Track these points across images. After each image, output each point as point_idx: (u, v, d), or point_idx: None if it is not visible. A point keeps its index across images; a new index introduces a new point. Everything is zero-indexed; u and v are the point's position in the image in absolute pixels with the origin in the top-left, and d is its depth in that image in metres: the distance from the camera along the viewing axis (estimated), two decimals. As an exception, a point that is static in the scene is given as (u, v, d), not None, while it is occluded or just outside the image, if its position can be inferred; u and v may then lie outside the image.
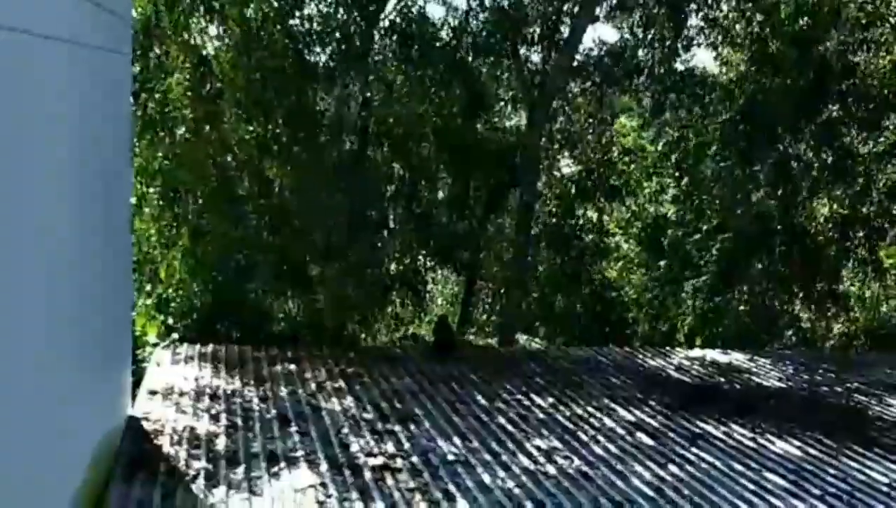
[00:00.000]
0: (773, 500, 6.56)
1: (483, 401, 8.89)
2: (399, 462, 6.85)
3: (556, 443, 7.61)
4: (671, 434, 8.12)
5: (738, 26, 15.64)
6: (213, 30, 12.58)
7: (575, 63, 15.41)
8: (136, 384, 8.86)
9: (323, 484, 6.27)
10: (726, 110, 15.60)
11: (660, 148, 16.57)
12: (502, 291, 16.60)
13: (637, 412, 8.82)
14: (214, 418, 7.76)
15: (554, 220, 16.83)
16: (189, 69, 12.06)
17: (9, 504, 3.76)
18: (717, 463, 7.34)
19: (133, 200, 12.16)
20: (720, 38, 16.32)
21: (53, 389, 4.62)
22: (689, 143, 16.03)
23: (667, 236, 16.09)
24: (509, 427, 8.01)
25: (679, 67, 16.52)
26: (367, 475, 6.53)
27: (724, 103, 15.73)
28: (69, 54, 4.86)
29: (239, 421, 7.68)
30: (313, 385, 9.11)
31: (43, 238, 4.37)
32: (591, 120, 17.07)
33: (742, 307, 16.06)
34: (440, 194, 14.69)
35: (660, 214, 16.44)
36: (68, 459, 5.13)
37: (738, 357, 12.32)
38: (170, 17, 11.77)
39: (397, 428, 7.77)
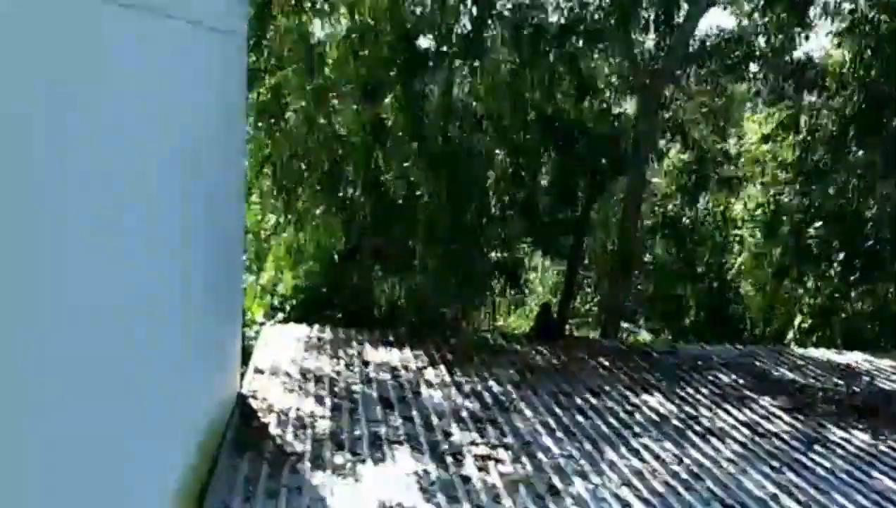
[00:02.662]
0: (896, 511, 6.18)
1: (588, 395, 8.70)
2: (502, 453, 6.77)
3: (665, 442, 7.37)
4: (786, 437, 7.75)
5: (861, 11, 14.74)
6: (322, 22, 12.73)
7: (690, 49, 14.86)
8: (244, 362, 9.09)
9: (426, 471, 6.25)
10: (849, 98, 14.75)
11: (782, 137, 15.74)
12: (606, 282, 16.26)
13: (749, 413, 8.45)
14: (319, 399, 7.87)
15: (665, 209, 16.33)
16: (301, 58, 12.24)
17: (124, 476, 3.87)
18: (836, 470, 6.96)
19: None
20: (843, 25, 15.46)
21: (167, 365, 4.74)
22: (814, 131, 15.21)
23: (788, 227, 15.29)
24: (615, 423, 7.81)
25: (799, 54, 15.76)
26: (470, 464, 6.48)
27: (846, 90, 14.87)
28: (191, 35, 4.95)
29: (343, 404, 7.76)
30: (415, 370, 9.12)
31: (159, 219, 4.46)
32: (705, 108, 16.48)
33: (863, 306, 15.20)
34: (544, 182, 14.44)
35: (783, 204, 15.59)
36: (181, 434, 5.27)
37: (855, 358, 11.67)
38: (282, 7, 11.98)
39: (499, 418, 7.68)
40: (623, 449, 7.09)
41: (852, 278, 14.72)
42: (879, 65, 14.20)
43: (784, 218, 15.42)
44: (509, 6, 13.03)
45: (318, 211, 13.01)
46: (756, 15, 15.08)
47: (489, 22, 12.90)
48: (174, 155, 4.65)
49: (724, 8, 15.62)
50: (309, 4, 12.49)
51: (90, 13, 3.00)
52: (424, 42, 13.18)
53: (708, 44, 15.16)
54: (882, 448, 7.65)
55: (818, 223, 14.88)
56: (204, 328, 6.14)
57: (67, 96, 2.86)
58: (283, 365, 8.94)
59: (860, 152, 14.57)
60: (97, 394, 3.38)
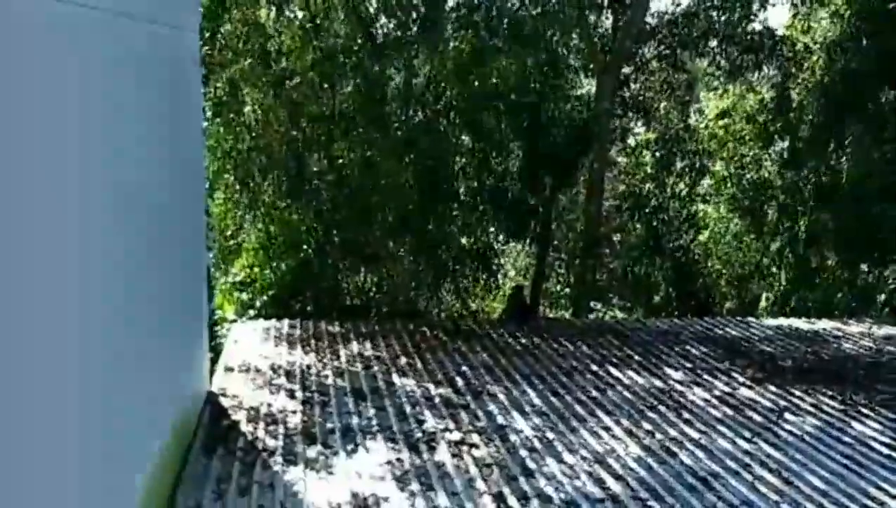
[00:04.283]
0: (865, 473, 6.26)
1: (560, 374, 8.72)
2: (475, 438, 6.76)
3: (637, 418, 7.40)
4: (757, 407, 7.83)
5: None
6: (276, 10, 12.57)
7: (646, 26, 14.89)
8: (215, 360, 9.00)
9: (399, 460, 6.23)
10: (813, 72, 14.86)
11: (748, 109, 15.79)
12: (576, 262, 16.31)
13: (720, 385, 8.53)
14: (290, 394, 7.80)
15: (631, 187, 16.39)
16: (256, 50, 12.10)
17: (88, 476, 3.80)
18: (806, 436, 7.04)
19: (207, 182, 12.39)
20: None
21: (130, 365, 4.66)
22: (779, 103, 15.28)
23: (758, 201, 15.37)
24: (587, 401, 7.83)
25: (757, 26, 15.86)
26: (444, 450, 6.46)
27: (808, 64, 14.99)
28: (144, 32, 4.85)
29: (315, 397, 7.70)
30: (387, 360, 9.08)
31: (118, 217, 4.38)
32: (665, 85, 16.53)
33: (832, 275, 15.38)
34: (511, 166, 14.42)
35: (751, 180, 15.66)
36: (146, 434, 5.19)
37: (824, 326, 11.82)
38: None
39: (472, 403, 7.67)
40: (596, 427, 7.11)
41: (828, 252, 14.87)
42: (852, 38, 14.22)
43: (749, 193, 15.53)
44: None
45: (283, 204, 12.90)
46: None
47: (444, 5, 12.81)
48: (125, 154, 4.55)
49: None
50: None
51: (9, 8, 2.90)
52: (382, 28, 13.09)
53: (665, 20, 15.21)
54: (851, 413, 7.75)
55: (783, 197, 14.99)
56: (167, 327, 6.05)
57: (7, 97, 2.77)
58: (254, 361, 8.86)
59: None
60: (56, 396, 3.30)
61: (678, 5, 15.96)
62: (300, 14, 12.42)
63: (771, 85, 16.11)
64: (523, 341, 10.23)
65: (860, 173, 14.27)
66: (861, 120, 14.18)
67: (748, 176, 15.58)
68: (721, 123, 15.93)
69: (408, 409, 7.44)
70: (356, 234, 12.86)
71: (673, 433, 7.03)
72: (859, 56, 13.91)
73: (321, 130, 12.51)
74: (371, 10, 12.68)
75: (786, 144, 15.24)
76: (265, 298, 13.14)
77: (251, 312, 12.99)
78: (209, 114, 12.09)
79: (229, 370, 8.54)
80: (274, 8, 12.50)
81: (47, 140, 3.24)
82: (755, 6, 15.49)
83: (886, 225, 13.54)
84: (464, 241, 14.07)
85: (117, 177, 4.36)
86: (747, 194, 15.48)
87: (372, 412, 7.33)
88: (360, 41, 12.36)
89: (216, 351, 9.85)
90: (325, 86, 12.48)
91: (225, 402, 7.50)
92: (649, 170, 16.20)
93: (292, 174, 12.69)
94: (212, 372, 8.31)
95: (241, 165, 12.62)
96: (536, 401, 7.78)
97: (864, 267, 15.28)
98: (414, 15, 12.73)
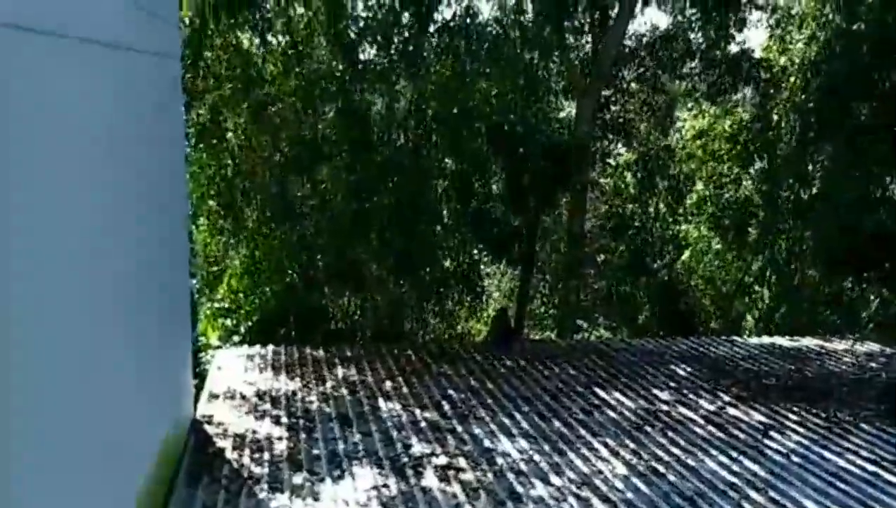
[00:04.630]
0: (850, 490, 6.28)
1: (546, 397, 8.72)
2: (462, 462, 6.74)
3: (624, 439, 7.41)
4: (742, 425, 7.86)
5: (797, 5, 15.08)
6: (259, 36, 12.61)
7: (625, 49, 15.08)
8: (200, 387, 8.94)
9: (385, 486, 6.19)
10: (791, 92, 15.04)
11: (726, 129, 15.94)
12: (559, 284, 16.36)
13: (705, 404, 8.55)
14: (276, 420, 7.76)
15: (613, 209, 16.51)
16: (239, 76, 12.13)
17: (73, 505, 3.76)
18: (791, 454, 7.07)
19: (190, 208, 12.37)
20: (776, 18, 15.83)
21: (114, 393, 4.62)
22: (755, 124, 15.44)
23: (738, 221, 15.47)
24: (574, 424, 7.83)
25: (734, 48, 16.09)
26: (430, 475, 6.44)
27: (786, 84, 15.17)
28: (121, 60, 4.86)
29: (300, 423, 7.66)
30: (373, 385, 9.05)
31: (100, 244, 4.36)
32: (645, 107, 16.70)
33: (815, 291, 15.48)
34: (494, 189, 14.50)
35: (731, 199, 15.76)
36: (130, 463, 5.14)
37: (808, 344, 11.90)
38: (217, 24, 11.85)
39: (458, 427, 7.65)
40: (583, 449, 7.11)
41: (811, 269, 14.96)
42: (829, 56, 14.39)
43: (728, 212, 15.62)
44: (446, 17, 13.04)
45: (267, 229, 12.89)
46: (688, 11, 15.34)
47: (426, 32, 12.92)
48: (106, 181, 4.55)
49: (659, 7, 15.87)
50: (245, 19, 12.38)
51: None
52: (364, 54, 13.17)
53: (644, 42, 15.40)
54: (836, 430, 7.79)
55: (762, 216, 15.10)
56: (152, 355, 6.01)
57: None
58: (239, 388, 8.80)
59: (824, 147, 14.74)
60: (39, 424, 3.27)
61: (657, 28, 16.19)
62: (282, 40, 12.46)
63: (749, 105, 16.29)
64: (508, 363, 10.23)
65: (835, 185, 14.41)
66: (836, 136, 14.35)
67: (727, 195, 15.71)
68: (698, 142, 16.08)
69: (394, 434, 7.41)
70: (340, 258, 12.86)
71: (659, 453, 7.04)
72: (832, 74, 14.12)
73: (304, 155, 12.53)
74: (353, 35, 12.75)
75: (764, 162, 15.38)
76: (249, 323, 13.10)
77: (235, 338, 12.94)
78: (192, 140, 12.11)
79: (214, 396, 8.49)
80: (256, 34, 12.54)
81: (26, 169, 3.23)
82: (732, 29, 15.72)
83: (863, 235, 13.66)
84: (448, 263, 14.11)
85: (99, 203, 4.35)
86: (727, 213, 15.60)
87: (358, 437, 7.29)
88: (341, 66, 12.42)
89: (200, 378, 9.79)
90: (308, 111, 12.52)
91: (210, 429, 7.44)
92: (631, 191, 16.31)
93: (276, 199, 12.69)
94: (196, 399, 8.25)
95: (224, 191, 12.62)
96: (523, 424, 7.77)
97: (847, 283, 15.38)
98: (395, 40, 12.82)
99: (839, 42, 14.16)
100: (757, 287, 16.02)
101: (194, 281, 12.65)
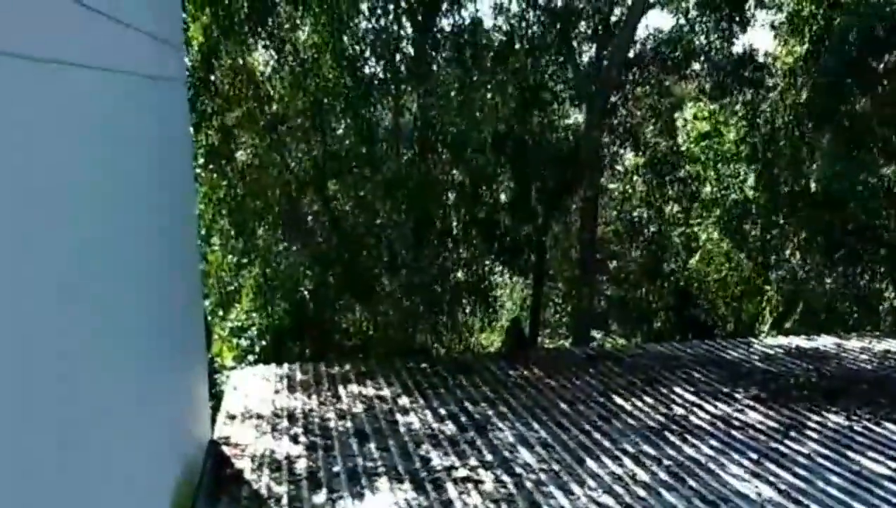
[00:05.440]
0: (874, 489, 6.22)
1: (563, 405, 8.68)
2: (482, 474, 6.71)
3: (643, 445, 7.36)
4: (762, 427, 7.80)
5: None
6: (267, 56, 12.70)
7: (630, 54, 15.08)
8: (216, 408, 8.95)
9: (406, 501, 6.17)
10: (792, 90, 15.02)
11: (732, 132, 15.91)
12: (572, 292, 16.32)
13: (724, 407, 8.49)
14: (293, 438, 7.75)
15: (623, 214, 16.49)
16: (248, 97, 12.21)
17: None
18: (813, 454, 7.01)
19: (203, 229, 12.43)
20: (779, 17, 15.81)
21: (133, 418, 4.63)
22: (760, 125, 15.40)
23: (748, 222, 15.42)
24: (593, 432, 7.79)
25: (738, 49, 16.07)
26: (451, 488, 6.41)
27: (789, 82, 15.15)
28: (126, 85, 4.89)
29: (318, 441, 7.65)
30: (389, 399, 9.04)
31: (112, 270, 4.38)
32: (652, 111, 16.69)
33: (828, 288, 15.39)
34: (503, 197, 14.50)
35: (739, 199, 15.69)
36: (151, 487, 5.14)
37: (824, 343, 11.81)
38: (226, 46, 11.95)
39: (477, 439, 7.63)
40: (603, 457, 7.07)
41: (820, 262, 14.88)
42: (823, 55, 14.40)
43: (744, 214, 15.56)
44: (448, 28, 13.07)
45: (279, 248, 12.93)
46: (693, 13, 15.34)
47: (431, 44, 12.96)
48: (116, 208, 4.57)
49: (662, 8, 15.86)
50: (252, 41, 12.48)
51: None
52: (370, 69, 13.23)
53: (648, 46, 15.40)
54: (857, 428, 7.73)
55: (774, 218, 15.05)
56: (169, 378, 6.02)
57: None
58: (255, 407, 8.80)
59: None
60: (59, 449, 3.28)
61: (660, 32, 16.18)
62: (291, 59, 12.51)
63: (749, 105, 16.25)
64: (524, 373, 10.19)
65: (830, 176, 14.37)
66: (832, 130, 14.35)
67: (733, 196, 15.66)
68: (703, 144, 16.05)
69: (412, 448, 7.39)
70: (351, 273, 12.87)
71: (680, 458, 6.99)
72: (823, 70, 14.15)
73: (313, 172, 12.58)
74: (358, 52, 12.82)
75: (764, 159, 15.34)
76: (263, 342, 13.12)
77: (250, 357, 12.96)
78: (201, 161, 12.18)
79: (231, 417, 8.49)
80: (265, 54, 12.64)
81: (37, 196, 3.25)
82: (736, 29, 15.70)
83: (862, 224, 13.65)
84: (459, 275, 14.10)
85: (111, 230, 4.37)
86: (733, 214, 15.55)
87: (376, 453, 7.27)
88: (349, 83, 12.47)
89: (217, 399, 9.80)
90: (317, 129, 12.58)
91: (228, 450, 7.44)
92: (643, 196, 16.29)
93: (287, 217, 12.74)
94: (213, 420, 8.25)
95: (235, 211, 12.67)
96: (541, 433, 7.74)
97: (860, 280, 15.29)
98: (398, 56, 12.88)
99: (830, 35, 14.21)
100: (768, 287, 15.95)
101: (207, 302, 12.71)
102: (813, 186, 14.66)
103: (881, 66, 14.11)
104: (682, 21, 15.90)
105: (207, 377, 8.37)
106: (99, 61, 4.25)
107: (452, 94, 13.16)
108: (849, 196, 13.43)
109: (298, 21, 12.63)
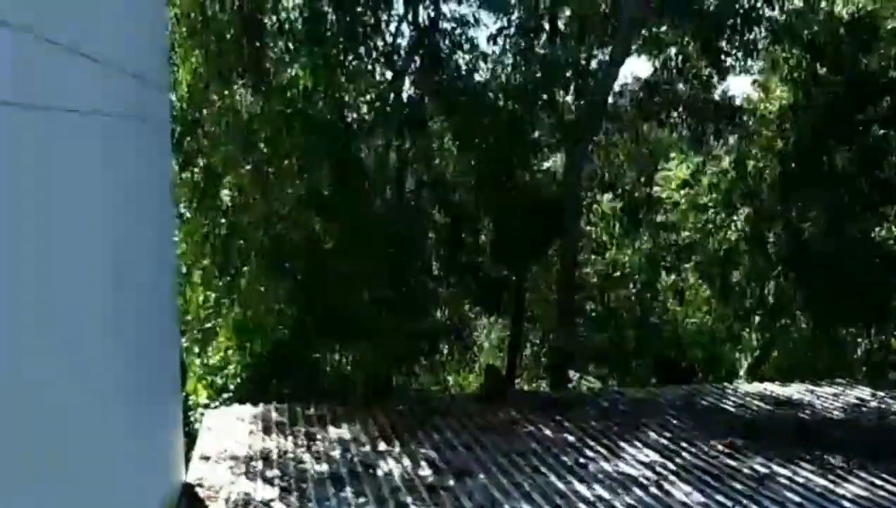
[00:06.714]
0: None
1: (540, 451, 8.68)
2: (457, 520, 6.68)
3: (619, 491, 7.37)
4: (737, 475, 7.84)
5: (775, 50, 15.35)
6: (255, 98, 12.77)
7: (609, 100, 15.32)
8: (190, 448, 8.85)
9: (381, 547, 6.13)
10: (774, 139, 15.27)
11: (707, 180, 16.12)
12: (550, 335, 16.36)
13: (700, 454, 8.53)
14: (268, 481, 7.69)
15: (602, 258, 16.64)
16: (234, 137, 12.24)
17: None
18: (787, 503, 7.05)
19: (184, 268, 12.40)
20: (758, 65, 16.13)
21: (104, 457, 4.60)
22: (739, 172, 15.62)
23: (724, 268, 15.57)
24: (568, 477, 7.79)
25: (716, 97, 16.35)
26: (425, 534, 6.38)
27: (771, 131, 15.40)
28: (108, 127, 4.94)
29: (293, 484, 7.59)
30: (365, 442, 8.99)
31: (88, 307, 4.38)
32: (629, 157, 16.92)
33: (798, 336, 15.55)
34: (482, 238, 14.61)
35: (720, 247, 15.85)
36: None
37: (798, 389, 11.91)
38: (213, 87, 12.04)
39: (454, 484, 7.60)
40: (579, 503, 7.07)
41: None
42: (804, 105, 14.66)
43: (714, 260, 15.75)
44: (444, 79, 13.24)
45: (261, 288, 12.87)
46: (670, 62, 15.60)
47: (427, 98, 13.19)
48: (94, 247, 4.59)
49: (639, 56, 16.10)
50: (240, 83, 12.57)
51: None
52: (356, 113, 13.38)
53: (626, 93, 15.64)
54: (830, 477, 7.79)
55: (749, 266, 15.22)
56: (142, 418, 5.98)
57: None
58: (230, 448, 8.72)
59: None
60: (34, 491, 3.26)
61: (639, 79, 16.44)
62: (277, 103, 12.56)
63: (732, 152, 16.49)
64: (502, 416, 10.18)
65: (817, 232, 14.56)
66: (819, 181, 14.54)
67: (713, 243, 15.83)
68: (682, 192, 16.26)
69: (387, 494, 7.35)
70: (331, 313, 12.83)
71: (656, 505, 7.00)
72: (811, 119, 14.41)
73: (298, 212, 12.60)
74: (346, 97, 13.00)
75: (749, 210, 15.53)
76: (239, 380, 13.01)
77: (225, 395, 12.83)
78: (184, 200, 12.18)
79: (205, 458, 8.40)
80: (252, 95, 12.70)
81: (13, 234, 3.28)
82: (715, 77, 15.97)
83: (852, 283, 13.77)
84: (438, 316, 14.11)
85: (83, 270, 4.38)
86: (713, 262, 15.71)
87: (351, 498, 7.22)
88: (335, 124, 12.58)
89: (191, 438, 9.69)
90: (302, 170, 12.64)
91: (202, 492, 7.36)
92: (620, 240, 16.44)
93: (270, 256, 12.71)
94: (187, 461, 8.17)
95: (218, 250, 12.62)
96: (518, 479, 7.72)
97: (842, 331, 15.45)
98: (384, 106, 13.06)
99: (815, 88, 14.49)
100: (745, 334, 16.08)
101: (184, 339, 12.62)
102: (801, 237, 14.85)
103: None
104: (658, 67, 16.14)
105: (181, 416, 8.30)
106: (77, 103, 4.28)
107: (438, 140, 13.37)
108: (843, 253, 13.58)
109: (287, 60, 12.75)
